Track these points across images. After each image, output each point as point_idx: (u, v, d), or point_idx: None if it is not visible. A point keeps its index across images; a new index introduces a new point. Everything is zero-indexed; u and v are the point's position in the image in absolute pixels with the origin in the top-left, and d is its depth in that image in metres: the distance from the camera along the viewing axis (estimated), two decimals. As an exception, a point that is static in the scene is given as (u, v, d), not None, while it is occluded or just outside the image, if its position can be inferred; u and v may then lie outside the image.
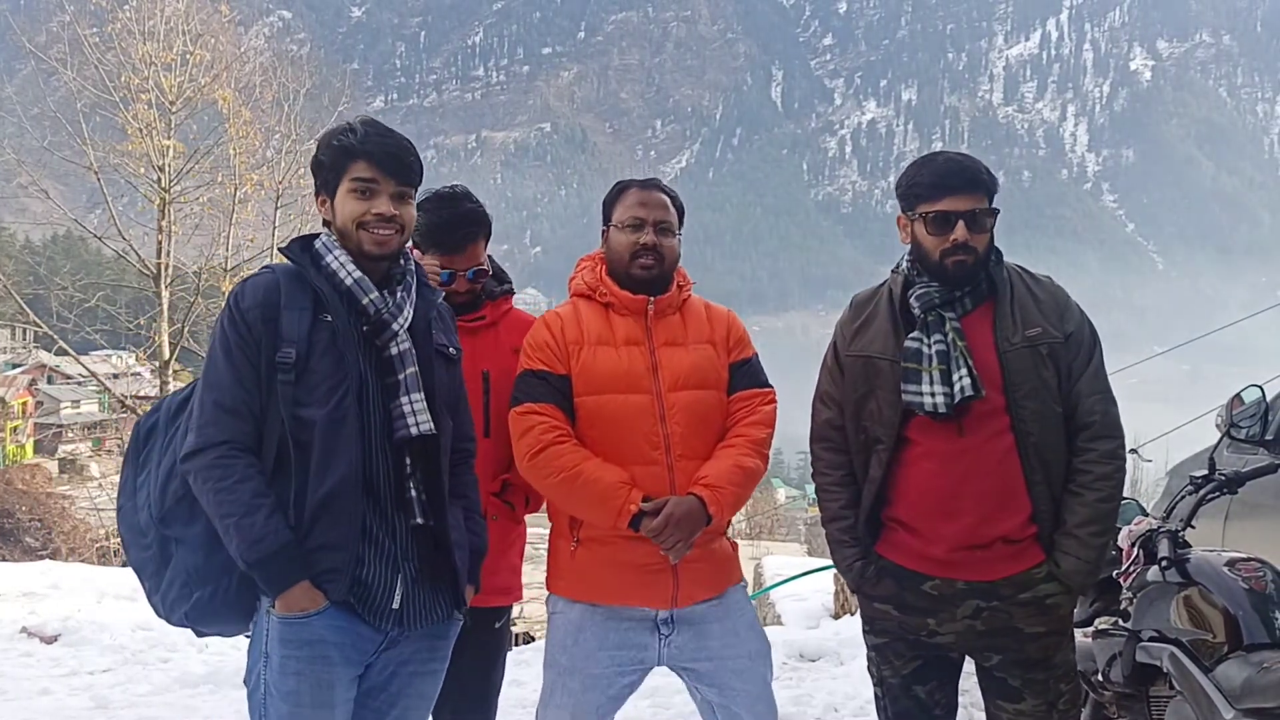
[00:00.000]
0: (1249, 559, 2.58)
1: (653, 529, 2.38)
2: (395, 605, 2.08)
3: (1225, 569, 2.54)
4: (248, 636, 2.15)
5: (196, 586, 2.09)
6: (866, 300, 2.57)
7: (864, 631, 2.58)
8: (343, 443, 2.03)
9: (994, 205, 2.41)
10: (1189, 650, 2.46)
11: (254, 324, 2.05)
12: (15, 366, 34.95)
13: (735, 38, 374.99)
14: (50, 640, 6.02)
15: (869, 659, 2.58)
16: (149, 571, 2.17)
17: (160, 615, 2.19)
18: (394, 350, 2.12)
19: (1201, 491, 2.81)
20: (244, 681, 2.13)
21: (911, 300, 2.41)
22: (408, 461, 2.13)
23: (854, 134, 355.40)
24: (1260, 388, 3.32)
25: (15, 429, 35.21)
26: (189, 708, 4.77)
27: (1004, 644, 2.39)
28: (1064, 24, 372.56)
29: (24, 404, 37.80)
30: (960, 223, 2.34)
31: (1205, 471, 2.85)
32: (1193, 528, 2.78)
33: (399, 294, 2.15)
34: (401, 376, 2.11)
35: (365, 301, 2.11)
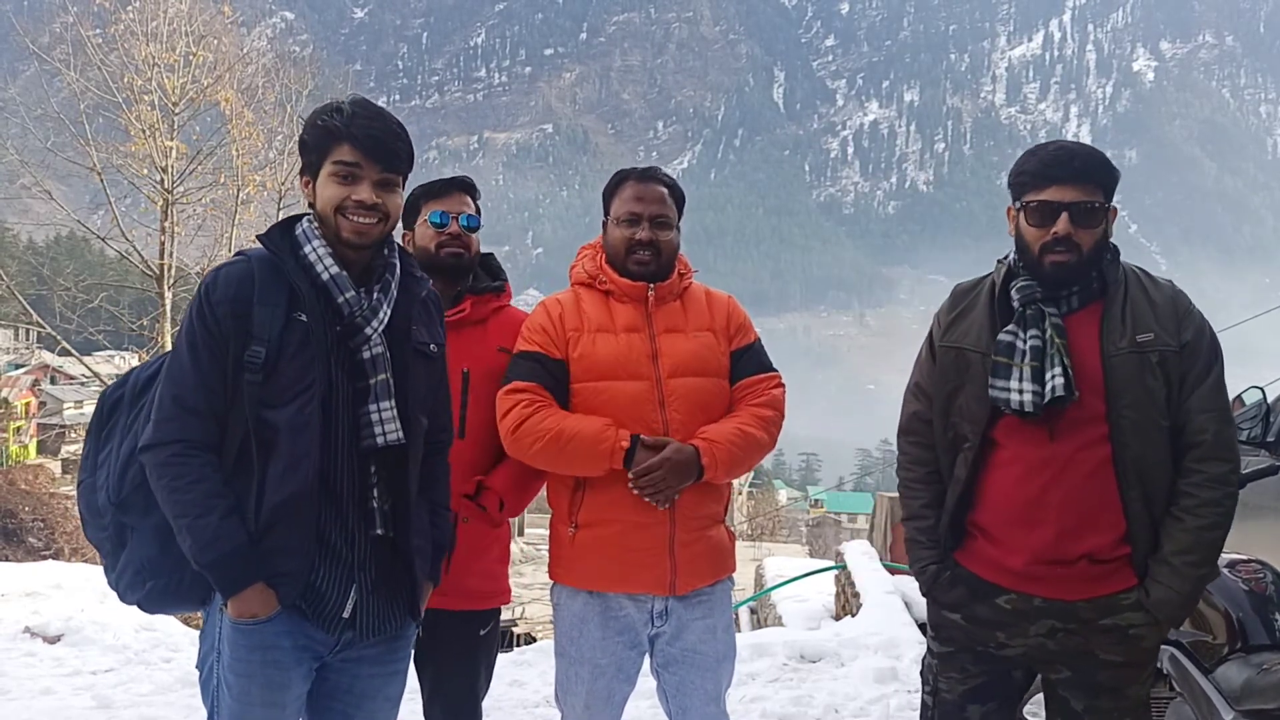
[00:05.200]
0: (1249, 560, 2.59)
1: (648, 465, 2.39)
2: (346, 614, 2.03)
3: (1226, 570, 2.55)
4: (200, 615, 2.13)
5: (149, 577, 2.05)
6: (967, 290, 2.41)
7: (928, 638, 2.47)
8: (305, 448, 1.95)
9: (1108, 203, 2.24)
10: (1189, 651, 2.46)
11: (223, 319, 1.96)
12: (18, 367, 34.97)
13: (737, 39, 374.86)
14: (53, 640, 6.02)
15: (925, 665, 2.47)
16: (105, 551, 2.13)
17: (113, 591, 2.15)
18: (366, 354, 2.03)
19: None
20: (196, 667, 2.10)
21: (1012, 292, 2.26)
22: (373, 470, 2.06)
23: (856, 135, 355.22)
24: (1261, 389, 3.32)
25: (18, 429, 35.24)
26: (191, 707, 4.77)
27: (1075, 663, 2.26)
28: (1066, 25, 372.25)
29: (27, 404, 37.83)
30: (1064, 215, 2.17)
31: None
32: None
33: (376, 293, 2.05)
34: (373, 382, 2.03)
35: (340, 300, 2.01)
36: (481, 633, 2.69)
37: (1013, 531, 2.24)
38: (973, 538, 2.32)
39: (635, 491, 2.41)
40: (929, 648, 2.47)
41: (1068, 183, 2.18)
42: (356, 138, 2.00)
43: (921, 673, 2.49)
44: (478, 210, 2.79)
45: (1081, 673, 2.25)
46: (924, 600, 2.43)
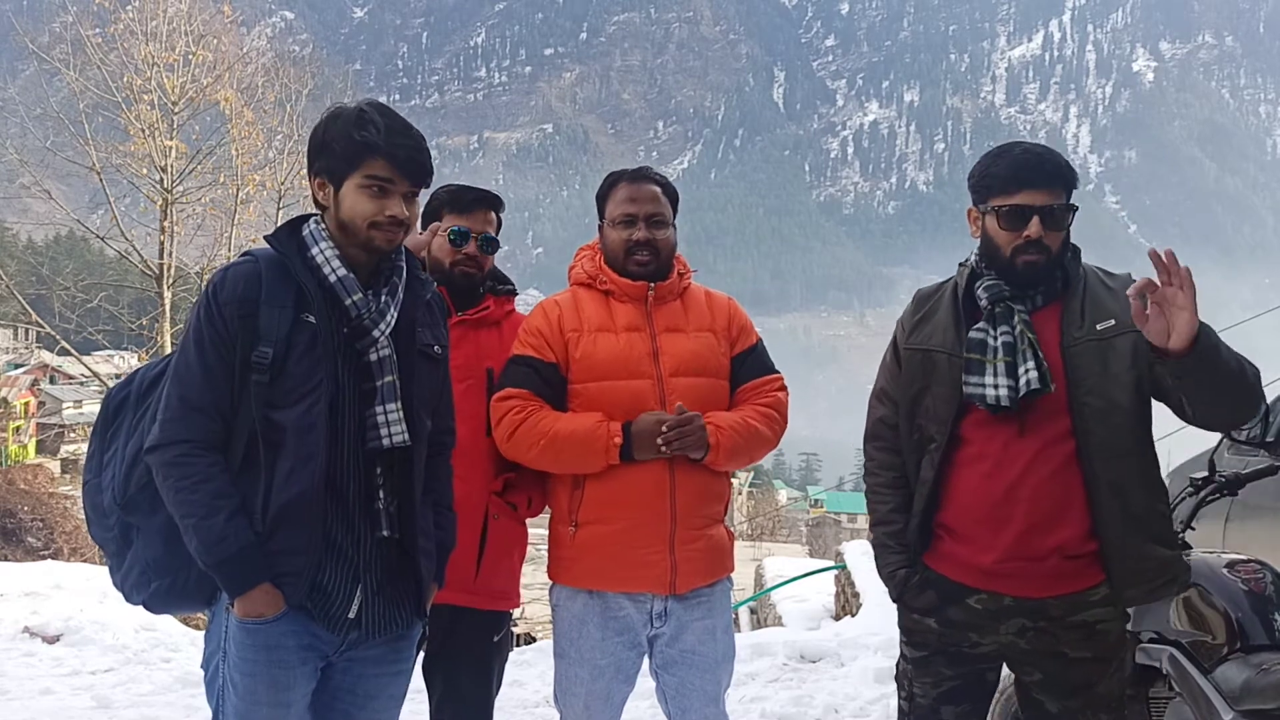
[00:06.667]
0: (1249, 560, 2.58)
1: (687, 416, 2.40)
2: (352, 615, 2.04)
3: (1225, 570, 2.54)
4: (205, 616, 2.13)
5: (155, 577, 2.05)
6: (929, 294, 2.45)
7: (901, 642, 2.47)
8: (311, 449, 1.96)
9: (1073, 204, 2.28)
10: (1188, 652, 2.46)
11: (230, 319, 1.96)
12: (18, 367, 34.94)
13: (737, 39, 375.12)
14: (52, 640, 6.03)
15: (900, 670, 2.48)
16: (110, 551, 2.13)
17: (119, 591, 2.15)
18: (373, 357, 2.05)
19: (1201, 493, 2.81)
20: (201, 666, 2.10)
21: (979, 292, 2.29)
22: (379, 471, 2.06)
23: (856, 135, 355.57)
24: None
25: (18, 429, 35.23)
26: (190, 707, 4.77)
27: (1045, 664, 2.28)
28: (1066, 25, 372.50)
29: (26, 404, 37.80)
30: (1035, 218, 2.20)
31: (1205, 473, 2.85)
32: (1193, 529, 2.78)
33: (384, 296, 2.06)
34: (379, 384, 2.04)
35: (348, 303, 2.02)
36: (495, 638, 2.69)
37: (982, 529, 2.25)
38: (940, 539, 2.33)
39: (662, 440, 2.40)
40: (902, 653, 2.47)
41: (1039, 186, 2.21)
42: (394, 155, 2.01)
43: (896, 677, 2.50)
44: (499, 223, 2.79)
45: (1052, 673, 2.27)
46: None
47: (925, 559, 2.35)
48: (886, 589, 2.43)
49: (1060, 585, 2.22)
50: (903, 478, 2.40)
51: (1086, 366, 2.21)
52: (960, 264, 2.41)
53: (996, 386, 2.19)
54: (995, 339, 2.23)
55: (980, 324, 2.26)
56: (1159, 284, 2.04)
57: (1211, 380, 2.10)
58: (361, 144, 2.01)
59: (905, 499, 2.39)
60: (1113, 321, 2.22)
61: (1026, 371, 2.18)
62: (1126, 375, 2.20)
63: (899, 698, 2.48)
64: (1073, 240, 2.32)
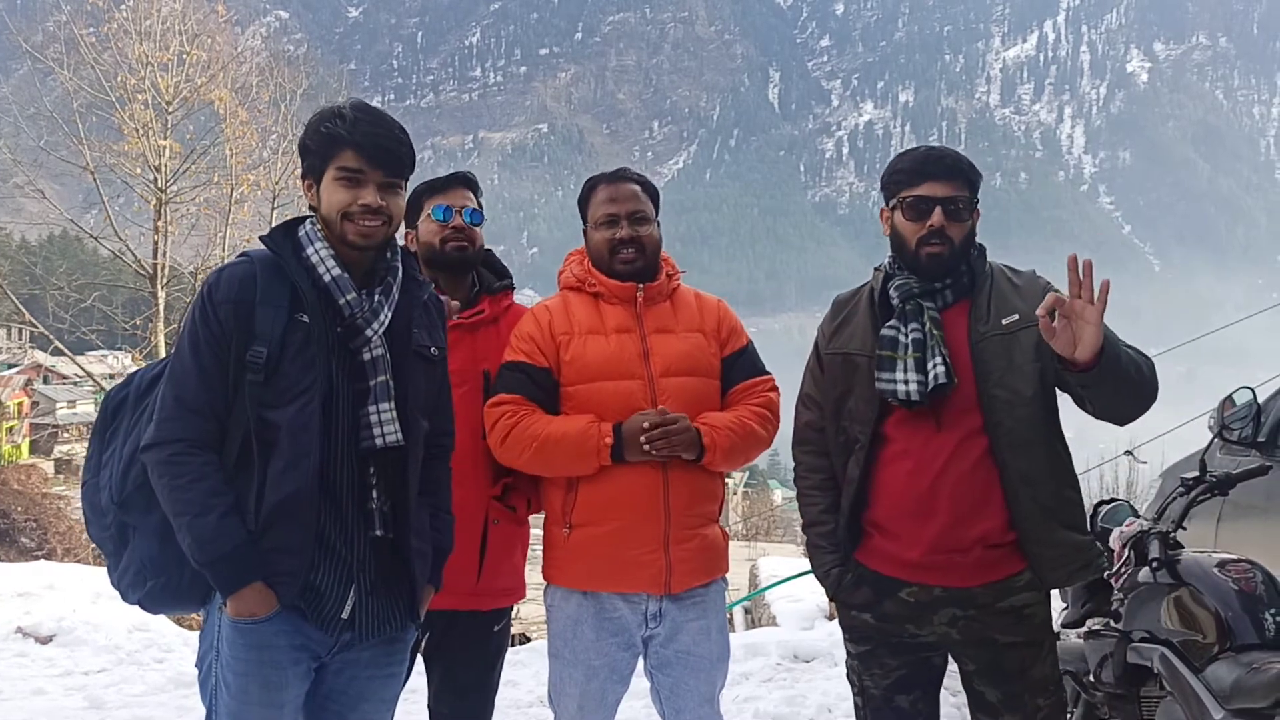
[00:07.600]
0: (1239, 560, 2.59)
1: (669, 419, 2.40)
2: (345, 615, 2.04)
3: (1215, 570, 2.55)
4: (200, 616, 2.14)
5: (151, 575, 2.06)
6: (847, 299, 2.54)
7: (845, 640, 2.54)
8: (305, 448, 1.97)
9: (976, 199, 2.36)
10: (1179, 651, 2.47)
11: (225, 319, 1.98)
12: (11, 367, 34.82)
13: (732, 39, 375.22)
14: (45, 640, 6.01)
15: (849, 667, 2.54)
16: (108, 550, 2.15)
17: (116, 590, 2.16)
18: (366, 356, 2.06)
19: (1193, 493, 2.82)
20: (195, 665, 2.11)
21: (890, 291, 2.38)
22: (372, 471, 2.08)
23: (851, 135, 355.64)
24: (1251, 389, 3.34)
25: (11, 429, 35.09)
26: (183, 708, 4.76)
27: (978, 653, 2.36)
28: (1061, 26, 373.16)
29: (20, 404, 37.65)
30: (938, 209, 2.30)
31: (1196, 473, 2.86)
32: (1184, 529, 2.79)
33: (378, 295, 2.07)
34: (373, 383, 2.05)
35: (342, 302, 2.04)
36: (495, 628, 2.70)
37: (908, 524, 2.32)
38: (870, 536, 2.40)
39: (645, 440, 2.40)
40: (848, 650, 2.52)
41: (940, 179, 2.32)
42: (360, 144, 2.02)
43: (848, 675, 2.55)
44: (480, 205, 2.81)
45: (986, 662, 2.35)
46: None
47: (857, 556, 2.42)
48: (823, 587, 2.50)
49: (985, 574, 2.31)
50: (831, 479, 2.47)
51: (993, 361, 2.29)
52: (875, 268, 2.50)
53: (907, 382, 2.28)
54: (906, 336, 2.31)
55: (892, 321, 2.35)
56: (1067, 298, 2.12)
57: (1114, 386, 2.18)
58: (328, 137, 2.04)
59: (835, 500, 2.45)
60: (1017, 316, 2.32)
61: (934, 367, 2.26)
62: (1030, 367, 2.29)
63: (853, 693, 2.53)
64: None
